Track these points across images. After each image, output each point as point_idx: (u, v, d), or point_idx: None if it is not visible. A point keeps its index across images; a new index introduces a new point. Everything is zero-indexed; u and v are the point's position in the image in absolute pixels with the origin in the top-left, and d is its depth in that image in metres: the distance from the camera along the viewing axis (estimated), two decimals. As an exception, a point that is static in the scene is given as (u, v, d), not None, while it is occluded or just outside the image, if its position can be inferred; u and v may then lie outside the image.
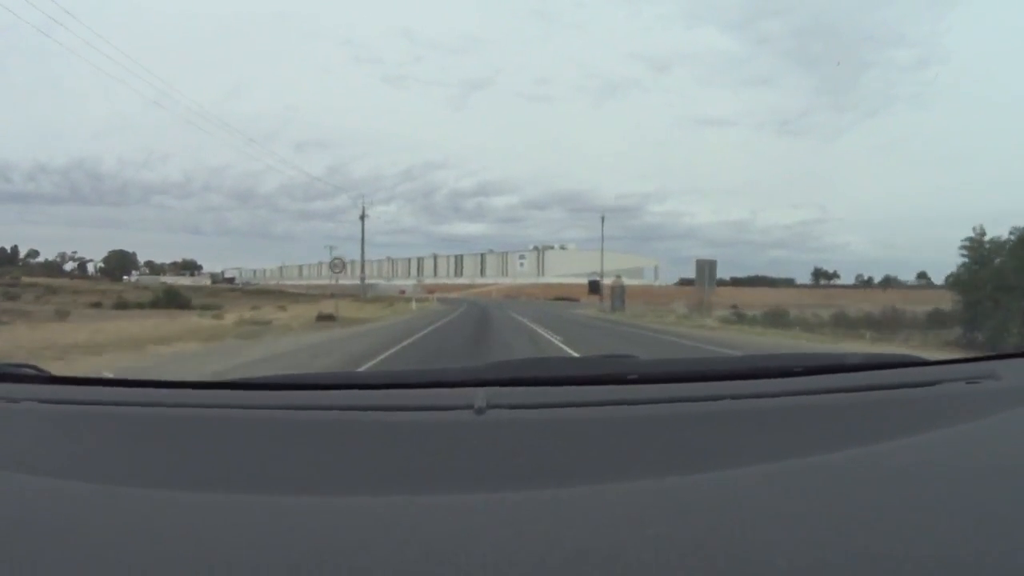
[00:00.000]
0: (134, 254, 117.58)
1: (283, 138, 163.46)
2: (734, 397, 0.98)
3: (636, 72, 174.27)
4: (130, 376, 1.54)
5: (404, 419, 0.90)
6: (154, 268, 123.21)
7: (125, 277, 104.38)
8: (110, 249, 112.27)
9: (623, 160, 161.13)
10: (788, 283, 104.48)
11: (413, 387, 1.08)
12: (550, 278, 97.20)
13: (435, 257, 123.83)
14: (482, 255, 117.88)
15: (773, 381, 1.09)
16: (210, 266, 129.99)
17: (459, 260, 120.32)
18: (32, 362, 1.14)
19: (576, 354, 8.64)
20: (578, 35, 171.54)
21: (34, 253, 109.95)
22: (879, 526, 0.57)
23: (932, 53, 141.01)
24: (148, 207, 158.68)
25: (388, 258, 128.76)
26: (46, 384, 1.08)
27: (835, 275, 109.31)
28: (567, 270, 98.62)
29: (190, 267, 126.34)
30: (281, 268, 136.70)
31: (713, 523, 0.58)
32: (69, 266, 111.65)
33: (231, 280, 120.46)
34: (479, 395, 0.91)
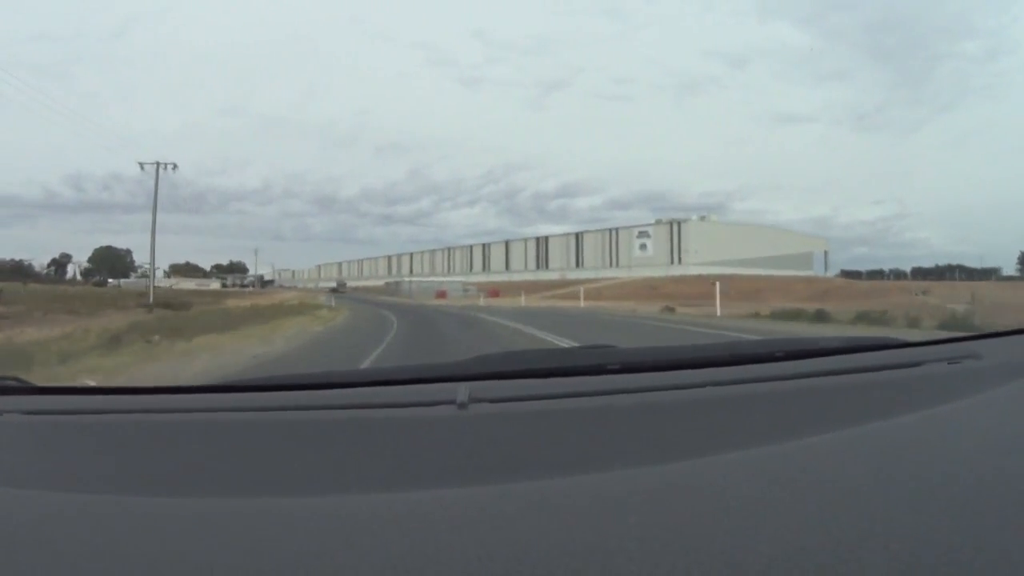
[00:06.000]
0: (128, 252, 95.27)
1: (361, 143, 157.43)
2: (716, 384, 0.97)
3: (713, 69, 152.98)
4: (114, 384, 1.34)
5: (387, 416, 0.90)
6: (182, 270, 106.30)
7: (111, 280, 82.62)
8: (176, 256, 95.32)
9: (705, 158, 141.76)
10: (989, 274, 73.82)
11: (395, 384, 1.06)
12: (691, 266, 62.75)
13: (507, 244, 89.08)
14: (577, 235, 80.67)
15: (755, 367, 1.08)
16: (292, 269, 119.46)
17: (542, 245, 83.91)
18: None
19: None
20: (652, 33, 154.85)
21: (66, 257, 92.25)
22: (864, 508, 0.56)
23: (1001, 44, 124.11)
24: (227, 214, 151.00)
25: (446, 248, 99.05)
26: (30, 395, 1.05)
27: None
28: (713, 255, 64.71)
29: (236, 269, 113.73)
30: (340, 264, 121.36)
31: (697, 510, 0.58)
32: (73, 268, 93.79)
33: (270, 282, 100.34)
34: (461, 390, 0.90)
